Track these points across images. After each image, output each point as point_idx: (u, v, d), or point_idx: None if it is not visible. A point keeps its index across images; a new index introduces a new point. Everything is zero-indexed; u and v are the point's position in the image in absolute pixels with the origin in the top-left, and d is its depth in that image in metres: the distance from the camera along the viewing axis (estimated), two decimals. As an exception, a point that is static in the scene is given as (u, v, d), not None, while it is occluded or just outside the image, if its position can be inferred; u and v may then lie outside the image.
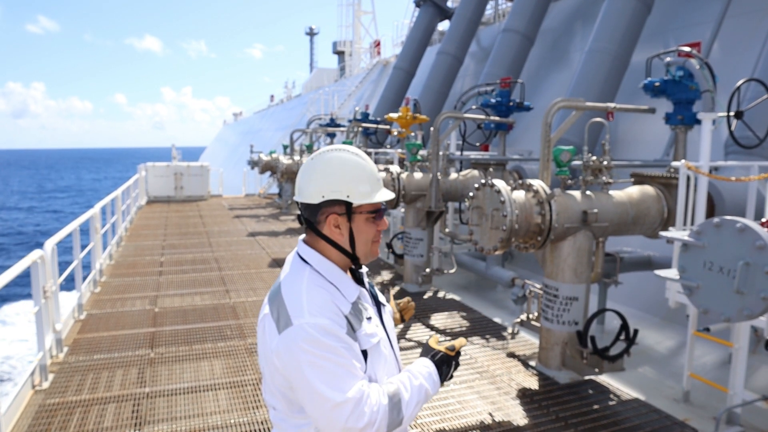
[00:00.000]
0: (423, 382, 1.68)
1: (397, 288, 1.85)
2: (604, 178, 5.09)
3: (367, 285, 1.84)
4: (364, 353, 1.63)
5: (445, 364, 1.76)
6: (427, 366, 1.73)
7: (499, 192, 4.71)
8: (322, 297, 1.62)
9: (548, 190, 4.86)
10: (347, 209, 1.68)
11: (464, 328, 6.35)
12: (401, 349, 5.20)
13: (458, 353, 1.80)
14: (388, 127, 12.56)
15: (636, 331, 5.01)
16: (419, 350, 2.14)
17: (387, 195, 1.75)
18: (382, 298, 1.91)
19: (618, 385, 4.82)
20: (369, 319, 1.71)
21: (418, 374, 1.69)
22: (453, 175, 8.18)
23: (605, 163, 5.08)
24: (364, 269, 1.87)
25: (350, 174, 1.68)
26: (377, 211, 1.72)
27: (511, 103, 8.48)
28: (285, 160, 15.82)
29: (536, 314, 5.69)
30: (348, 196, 1.67)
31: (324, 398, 1.51)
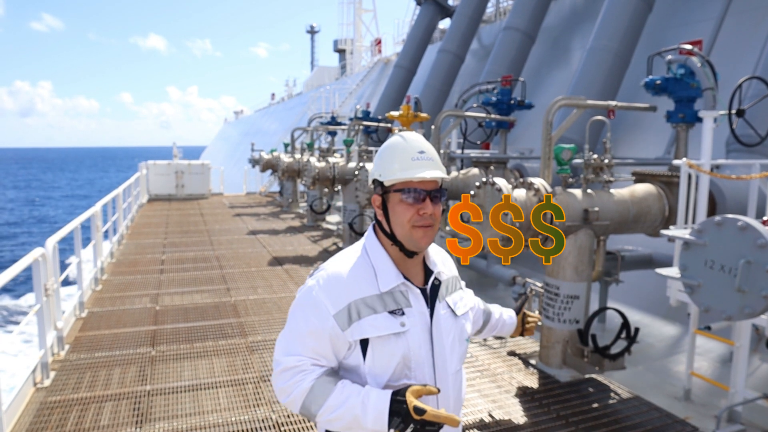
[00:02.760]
0: (359, 410, 1.57)
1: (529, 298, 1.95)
2: (605, 176, 5.09)
3: (432, 281, 1.75)
4: (366, 342, 1.63)
5: (401, 419, 1.54)
6: (381, 403, 1.56)
7: (500, 190, 4.70)
8: (343, 275, 1.67)
9: (549, 189, 4.86)
10: (382, 189, 1.71)
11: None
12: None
13: (427, 423, 1.53)
14: (389, 125, 12.55)
15: (637, 330, 5.00)
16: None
17: (420, 173, 1.64)
18: (452, 300, 1.80)
19: (619, 383, 4.82)
20: (395, 313, 1.65)
21: (362, 403, 1.57)
22: (453, 174, 8.18)
23: (606, 161, 5.08)
24: (436, 266, 1.78)
25: (387, 154, 1.72)
26: (410, 191, 1.65)
27: (512, 102, 8.48)
28: (286, 158, 15.82)
29: (537, 312, 5.69)
30: (380, 175, 1.70)
31: (276, 349, 1.72)
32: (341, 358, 1.68)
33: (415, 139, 1.72)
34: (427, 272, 1.78)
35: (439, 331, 1.72)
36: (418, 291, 1.72)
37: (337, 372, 1.72)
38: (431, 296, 1.75)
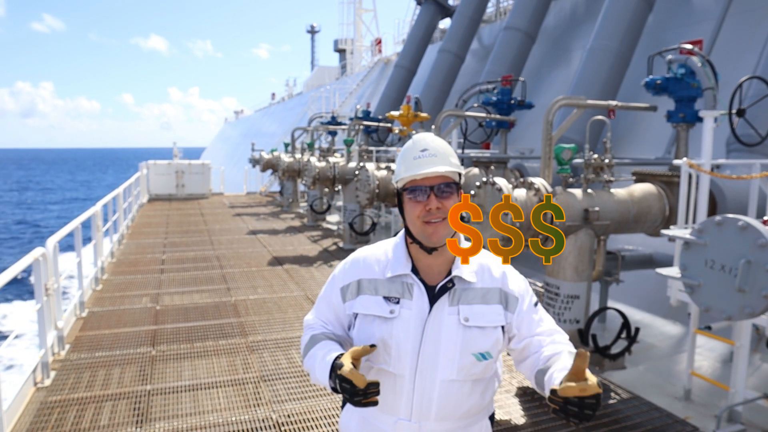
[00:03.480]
0: (317, 362, 1.74)
1: (587, 355, 1.60)
2: (605, 176, 5.09)
3: (445, 283, 1.72)
4: (356, 316, 1.79)
5: (337, 380, 1.60)
6: (329, 358, 1.69)
7: (500, 190, 4.70)
8: (362, 257, 1.84)
9: (549, 188, 4.86)
10: (397, 191, 1.79)
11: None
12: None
13: (344, 378, 1.56)
14: (389, 125, 12.56)
15: (637, 330, 5.01)
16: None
17: (420, 170, 1.66)
18: (468, 309, 1.72)
19: (619, 383, 4.82)
20: (389, 299, 1.72)
21: (322, 357, 1.73)
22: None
23: (607, 161, 5.08)
24: (459, 270, 1.72)
25: (398, 158, 1.80)
26: (414, 189, 1.69)
27: (512, 101, 8.48)
28: (286, 158, 15.82)
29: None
30: (394, 179, 1.80)
31: None
32: (347, 328, 1.85)
33: (421, 138, 1.76)
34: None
35: (435, 333, 1.70)
36: (423, 287, 1.73)
37: (347, 340, 1.87)
38: (438, 296, 1.72)
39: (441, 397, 1.71)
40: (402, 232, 1.85)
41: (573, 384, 1.41)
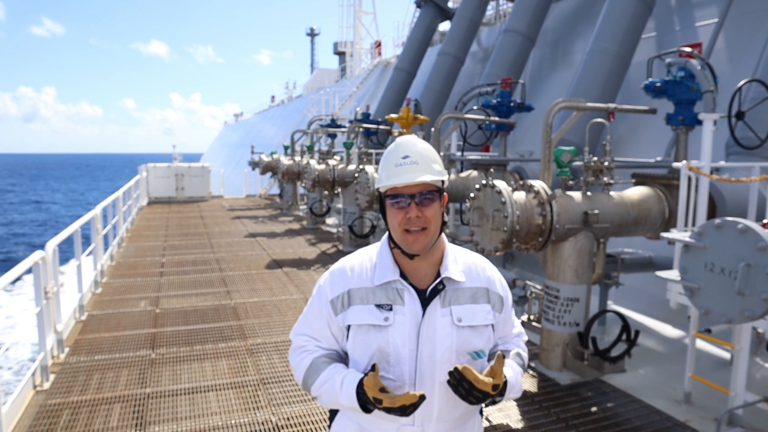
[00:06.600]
0: (337, 387, 1.69)
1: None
2: (605, 178, 5.09)
3: (435, 285, 1.72)
4: (349, 328, 1.74)
5: (368, 402, 1.62)
6: (350, 385, 1.67)
7: (500, 193, 4.71)
8: (348, 266, 1.80)
9: (549, 191, 4.86)
10: (380, 195, 1.76)
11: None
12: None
13: (390, 408, 1.59)
14: (388, 127, 12.56)
15: (637, 333, 5.00)
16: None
17: (401, 180, 1.66)
18: (460, 309, 1.73)
19: (619, 386, 4.82)
20: (382, 307, 1.70)
21: (342, 380, 1.69)
22: (453, 176, 8.18)
23: (606, 163, 5.08)
24: (447, 271, 1.73)
25: (381, 162, 1.78)
26: (395, 197, 1.68)
27: (512, 104, 8.49)
28: (286, 160, 15.81)
29: (537, 315, 5.69)
30: (377, 183, 1.78)
31: (292, 329, 1.92)
32: (342, 342, 1.80)
33: (404, 142, 1.73)
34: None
35: (430, 336, 1.69)
36: (414, 292, 1.72)
37: (342, 357, 1.83)
38: (430, 299, 1.71)
39: (441, 398, 1.71)
40: (385, 237, 1.82)
41: (474, 371, 1.60)
